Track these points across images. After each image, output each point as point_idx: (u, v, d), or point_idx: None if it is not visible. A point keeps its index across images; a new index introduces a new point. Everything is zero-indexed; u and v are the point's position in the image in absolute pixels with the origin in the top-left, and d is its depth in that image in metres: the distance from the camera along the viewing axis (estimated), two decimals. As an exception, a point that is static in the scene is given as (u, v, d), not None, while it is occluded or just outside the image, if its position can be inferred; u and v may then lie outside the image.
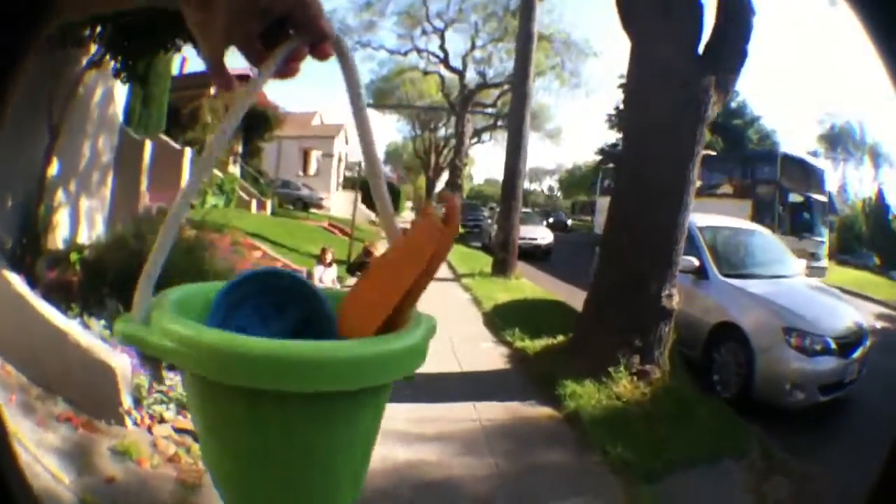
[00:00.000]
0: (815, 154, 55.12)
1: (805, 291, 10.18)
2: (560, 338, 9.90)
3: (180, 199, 0.84)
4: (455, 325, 11.43)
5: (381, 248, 11.51)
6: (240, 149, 30.41)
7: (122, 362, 5.89)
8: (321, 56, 0.85)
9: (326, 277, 13.31)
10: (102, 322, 7.19)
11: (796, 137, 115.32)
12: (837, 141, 56.43)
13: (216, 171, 24.99)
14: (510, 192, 19.35)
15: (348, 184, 51.07)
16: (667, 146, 8.15)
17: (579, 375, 7.88)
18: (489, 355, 10.10)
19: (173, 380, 6.21)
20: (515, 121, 19.33)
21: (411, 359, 0.79)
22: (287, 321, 0.93)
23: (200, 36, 0.81)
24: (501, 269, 18.73)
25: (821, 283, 11.63)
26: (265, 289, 0.93)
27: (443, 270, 19.37)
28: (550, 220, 50.01)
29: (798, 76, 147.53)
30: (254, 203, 27.24)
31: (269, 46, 0.84)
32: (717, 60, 8.06)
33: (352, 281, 12.20)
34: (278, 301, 0.93)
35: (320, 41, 0.84)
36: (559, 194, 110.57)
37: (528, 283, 18.06)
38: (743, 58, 8.26)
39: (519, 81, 19.44)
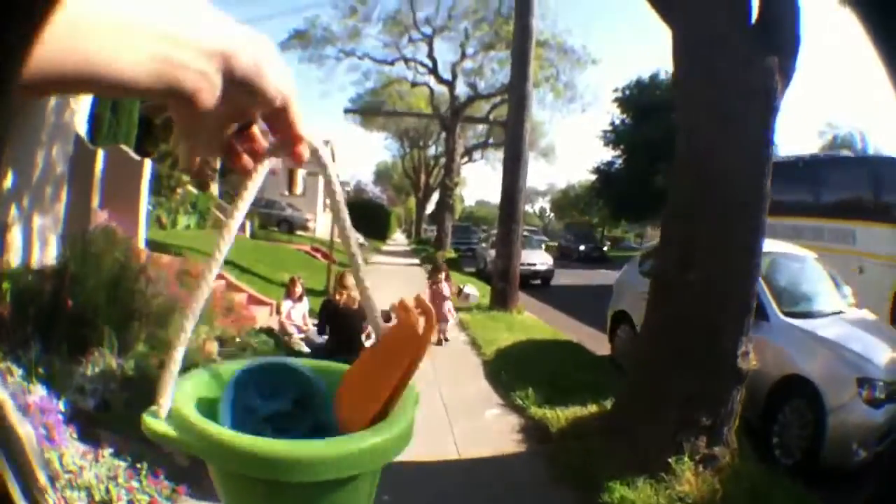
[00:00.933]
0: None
1: (863, 330, 8.60)
2: (592, 407, 7.99)
3: (203, 283, 0.92)
4: (451, 382, 9.82)
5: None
6: (217, 165, 29.00)
7: (28, 431, 4.75)
8: (296, 160, 0.89)
9: (296, 314, 11.82)
10: (20, 371, 6.00)
11: (797, 149, 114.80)
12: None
13: (190, 188, 23.68)
14: (509, 212, 17.28)
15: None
16: (735, 146, 6.31)
17: (628, 471, 5.97)
18: (497, 430, 8.07)
19: (79, 464, 4.99)
20: (514, 129, 17.39)
21: (397, 446, 0.87)
22: (284, 401, 1.01)
23: (185, 136, 0.84)
24: (502, 301, 16.74)
25: (867, 315, 9.85)
26: (264, 375, 1.02)
27: None
28: (581, 248, 47.92)
29: (797, 85, 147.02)
30: (230, 223, 25.62)
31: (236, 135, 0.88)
32: (772, 39, 6.32)
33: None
34: (276, 382, 1.02)
35: (295, 145, 0.87)
36: (552, 216, 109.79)
37: (533, 319, 16.24)
38: (797, 42, 6.57)
39: (517, 82, 17.48)
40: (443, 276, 13.42)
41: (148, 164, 14.31)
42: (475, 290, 15.73)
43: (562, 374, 9.73)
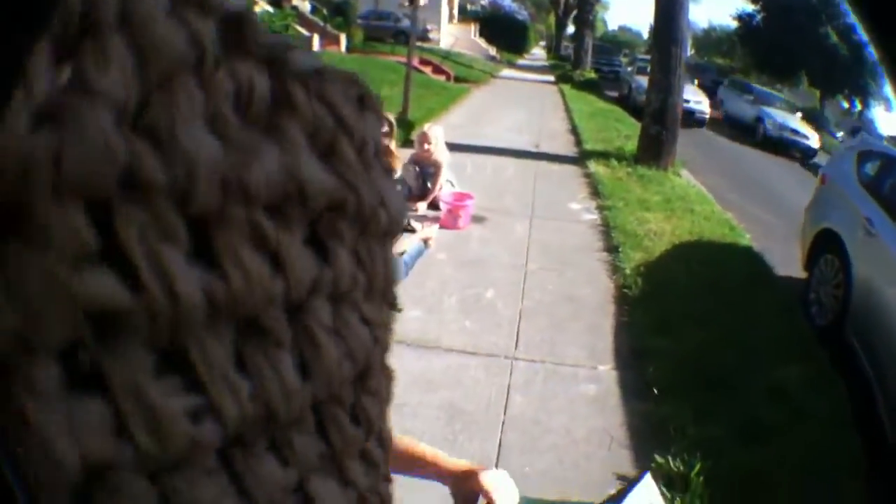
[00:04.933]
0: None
1: None
2: None
3: None
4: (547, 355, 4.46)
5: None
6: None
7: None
8: None
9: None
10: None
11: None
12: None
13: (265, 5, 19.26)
14: (668, 31, 11.16)
15: (468, 16, 44.28)
16: None
17: None
18: None
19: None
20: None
21: None
22: None
23: None
24: (654, 152, 10.85)
25: None
26: None
27: (563, 140, 11.56)
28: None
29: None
30: (316, 38, 20.42)
31: None
32: None
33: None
34: None
35: None
36: (691, 52, 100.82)
37: (694, 189, 10.16)
38: None
39: None
40: None
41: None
42: None
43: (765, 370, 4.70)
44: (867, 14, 0.43)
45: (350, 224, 0.35)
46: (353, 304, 0.37)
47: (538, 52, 65.61)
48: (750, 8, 49.82)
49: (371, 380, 0.39)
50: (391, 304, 0.42)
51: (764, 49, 46.32)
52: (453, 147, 7.37)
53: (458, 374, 4.04)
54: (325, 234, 0.33)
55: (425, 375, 3.94)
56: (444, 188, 6.91)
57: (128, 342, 0.26)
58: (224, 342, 0.29)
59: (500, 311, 4.97)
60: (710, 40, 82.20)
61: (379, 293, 0.39)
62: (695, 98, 21.11)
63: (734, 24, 53.87)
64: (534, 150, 11.54)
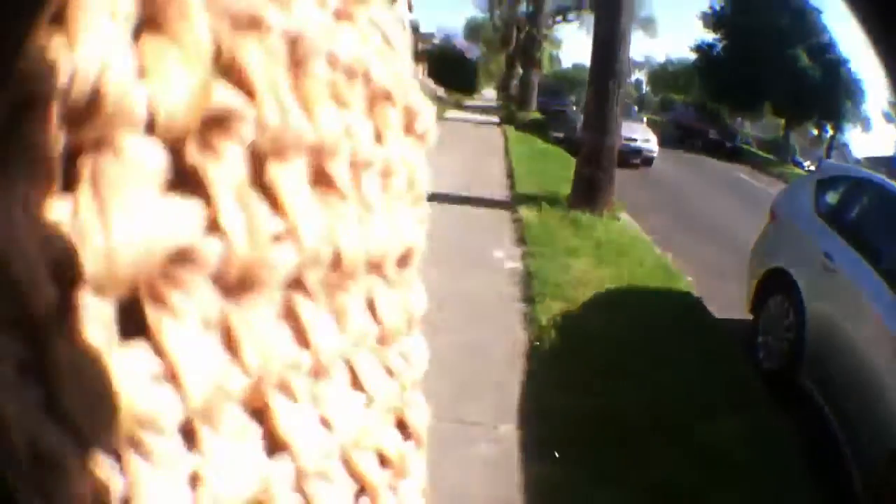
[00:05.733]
0: (888, 117, 49.33)
1: None
2: None
3: None
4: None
5: None
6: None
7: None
8: None
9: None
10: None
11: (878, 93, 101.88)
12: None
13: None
14: (604, 64, 10.44)
15: (417, 55, 44.42)
16: None
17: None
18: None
19: None
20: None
21: None
22: None
23: None
24: (587, 196, 10.19)
25: None
26: None
27: (497, 183, 11.38)
28: (711, 131, 37.82)
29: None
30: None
31: None
32: None
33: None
34: None
35: None
36: (647, 89, 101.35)
37: (632, 232, 9.79)
38: None
39: None
40: None
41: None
42: None
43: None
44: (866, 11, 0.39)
45: None
46: None
47: (489, 93, 65.80)
48: (710, 37, 50.12)
49: None
50: None
51: (724, 80, 45.83)
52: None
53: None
54: None
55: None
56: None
57: None
58: None
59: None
60: (667, 75, 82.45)
61: None
62: (643, 136, 20.99)
63: (693, 55, 53.76)
64: (463, 194, 11.09)
